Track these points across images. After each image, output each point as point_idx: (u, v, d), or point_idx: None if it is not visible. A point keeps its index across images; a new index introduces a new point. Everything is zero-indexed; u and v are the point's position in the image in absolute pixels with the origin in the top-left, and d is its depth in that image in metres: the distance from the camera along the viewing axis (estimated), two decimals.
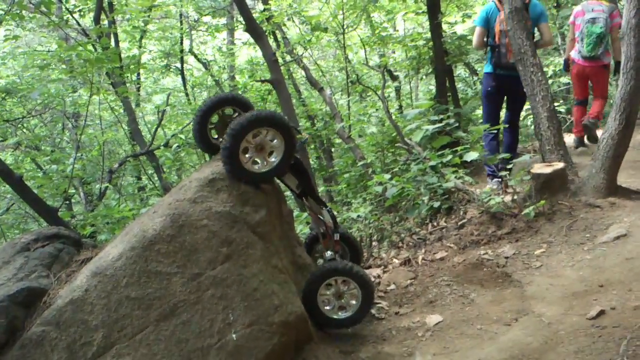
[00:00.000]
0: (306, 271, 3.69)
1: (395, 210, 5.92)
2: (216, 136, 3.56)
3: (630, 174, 5.73)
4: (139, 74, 12.91)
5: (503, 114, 6.49)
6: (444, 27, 8.95)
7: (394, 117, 8.03)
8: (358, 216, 5.79)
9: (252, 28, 7.18)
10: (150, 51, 13.85)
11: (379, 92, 9.26)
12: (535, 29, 5.90)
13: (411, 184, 5.58)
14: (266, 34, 8.58)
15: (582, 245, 4.22)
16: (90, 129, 11.47)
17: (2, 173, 5.30)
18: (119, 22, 11.45)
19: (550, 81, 9.10)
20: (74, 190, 10.40)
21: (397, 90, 11.68)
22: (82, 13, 10.09)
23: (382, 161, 7.98)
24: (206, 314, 2.89)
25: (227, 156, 3.18)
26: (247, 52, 14.14)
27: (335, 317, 3.53)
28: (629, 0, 4.65)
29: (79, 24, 9.67)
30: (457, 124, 6.90)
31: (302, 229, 5.51)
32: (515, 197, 5.14)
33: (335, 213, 4.17)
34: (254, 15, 8.05)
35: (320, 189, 10.01)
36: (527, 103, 5.86)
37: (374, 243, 5.49)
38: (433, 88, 10.13)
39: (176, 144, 9.56)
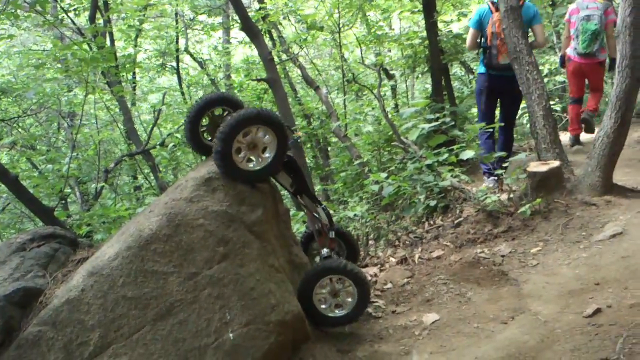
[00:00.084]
0: (303, 270, 3.69)
1: (392, 209, 5.92)
2: (210, 138, 3.54)
3: (626, 172, 5.75)
4: (134, 73, 12.87)
5: (498, 112, 6.52)
6: (440, 25, 8.96)
7: (390, 115, 8.04)
8: (354, 215, 5.79)
9: (248, 27, 7.17)
10: (145, 50, 13.82)
11: (375, 91, 9.26)
12: (529, 30, 5.92)
13: (407, 183, 5.59)
14: (262, 32, 8.57)
15: (578, 244, 4.23)
16: (85, 128, 11.43)
17: None
18: (114, 21, 11.41)
19: (545, 80, 9.12)
20: (69, 190, 10.38)
21: (393, 88, 11.69)
22: (77, 12, 10.07)
23: (378, 160, 7.98)
24: (203, 314, 2.88)
25: (220, 159, 3.18)
26: (243, 51, 14.14)
27: (331, 315, 3.53)
28: None
29: (74, 23, 9.65)
30: (453, 123, 6.91)
31: (299, 228, 5.51)
32: (512, 195, 5.15)
33: (331, 212, 4.17)
34: (249, 13, 8.04)
35: (317, 187, 10.01)
36: (523, 102, 5.88)
37: (370, 242, 5.49)
38: (429, 86, 10.15)
39: (172, 143, 9.54)
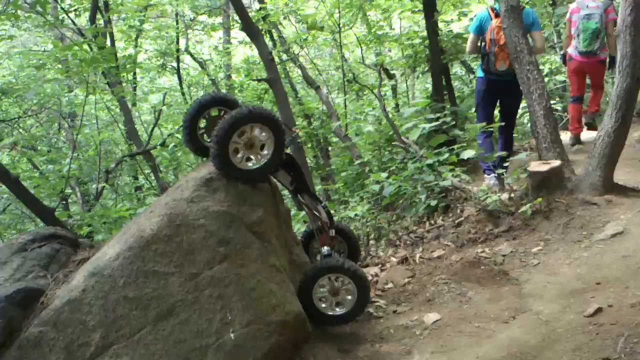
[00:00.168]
0: (304, 270, 3.69)
1: (393, 208, 5.91)
2: (209, 140, 3.54)
3: (627, 171, 5.74)
4: (135, 74, 12.86)
5: (498, 113, 6.53)
6: (440, 25, 8.95)
7: (390, 115, 8.03)
8: (355, 215, 5.78)
9: (248, 27, 7.17)
10: (146, 50, 13.80)
11: (376, 91, 9.25)
12: (528, 36, 5.95)
13: (408, 183, 5.58)
14: (262, 32, 8.57)
15: (579, 243, 4.23)
16: (86, 129, 11.42)
17: None
18: (114, 21, 11.41)
19: (546, 79, 9.12)
20: (70, 190, 10.37)
21: (394, 88, 11.67)
22: (77, 12, 10.07)
23: (379, 160, 7.97)
24: (204, 314, 2.89)
25: (219, 162, 3.19)
26: (244, 51, 14.11)
27: (332, 313, 3.53)
28: None
29: (74, 24, 9.65)
30: (453, 122, 6.92)
31: (299, 228, 5.51)
32: (512, 195, 5.14)
33: (332, 212, 4.16)
34: (250, 14, 8.04)
35: (318, 187, 9.99)
36: (524, 101, 5.90)
37: (371, 242, 5.48)
38: (429, 86, 10.14)
39: (173, 144, 9.53)
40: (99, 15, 9.06)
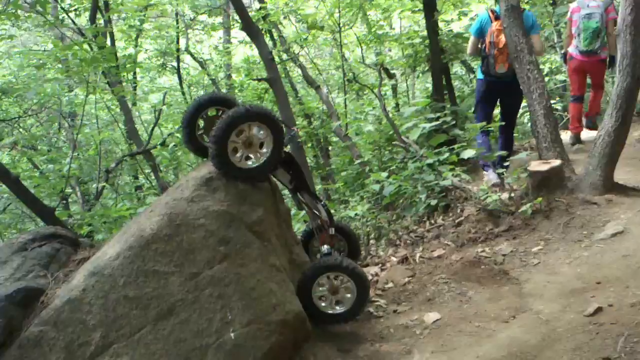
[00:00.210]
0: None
1: (393, 208, 5.91)
2: (208, 140, 3.54)
3: (627, 170, 5.74)
4: (135, 73, 12.86)
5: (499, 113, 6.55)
6: (441, 25, 8.94)
7: (390, 115, 8.03)
8: (355, 214, 5.78)
9: (248, 26, 7.17)
10: (146, 50, 13.80)
11: (376, 90, 9.26)
12: None
13: (408, 182, 5.58)
14: (262, 32, 8.57)
15: (579, 243, 4.23)
16: (86, 129, 11.41)
17: None
18: (114, 21, 11.41)
19: (546, 79, 9.11)
20: (70, 190, 10.38)
21: (394, 88, 11.67)
22: (77, 12, 10.06)
23: (379, 159, 7.96)
24: (204, 313, 2.89)
25: (218, 162, 3.20)
26: (244, 50, 14.11)
27: (331, 312, 3.54)
28: None
29: (74, 23, 9.65)
30: (453, 122, 6.93)
31: (299, 228, 5.51)
32: (513, 194, 5.14)
33: (332, 211, 4.16)
34: (250, 13, 8.04)
35: (318, 187, 9.99)
36: (524, 101, 5.90)
37: (371, 241, 5.48)
38: (430, 86, 10.14)
39: (173, 143, 9.53)
40: (99, 15, 9.06)
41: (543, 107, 5.32)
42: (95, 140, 10.25)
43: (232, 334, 2.87)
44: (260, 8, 10.28)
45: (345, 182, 8.52)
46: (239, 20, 7.80)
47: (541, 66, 8.08)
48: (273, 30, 11.46)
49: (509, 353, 3.00)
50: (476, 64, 9.37)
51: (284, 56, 11.58)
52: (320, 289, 3.49)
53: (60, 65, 8.55)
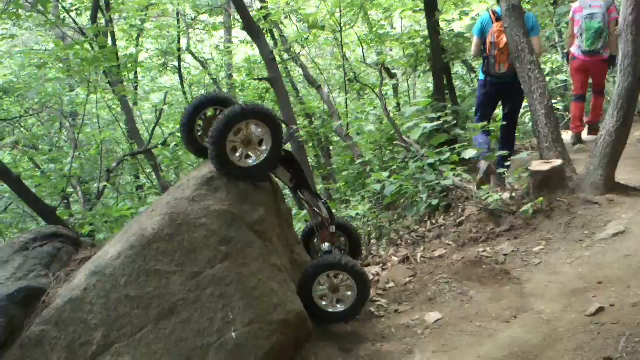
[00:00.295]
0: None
1: (394, 208, 5.92)
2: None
3: (629, 170, 5.74)
4: (136, 73, 12.87)
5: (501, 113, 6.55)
6: (442, 24, 8.95)
7: (392, 114, 8.03)
8: (357, 214, 5.78)
9: (250, 26, 7.17)
10: (147, 50, 13.81)
11: (377, 90, 9.26)
12: None
13: (409, 182, 5.58)
14: (263, 32, 8.57)
15: (580, 242, 4.22)
16: (88, 128, 11.42)
17: (0, 172, 5.29)
18: (116, 20, 11.42)
19: (547, 78, 9.11)
20: (72, 190, 10.38)
21: (395, 88, 11.67)
22: (79, 12, 10.06)
23: (380, 159, 7.97)
24: (205, 313, 2.89)
25: (218, 163, 3.21)
26: (245, 50, 14.10)
27: (332, 310, 3.54)
28: None
29: (76, 23, 9.65)
30: (455, 122, 6.92)
31: (301, 227, 5.50)
32: (514, 194, 5.14)
33: (334, 211, 4.17)
34: (251, 13, 8.04)
35: (319, 187, 10.00)
36: (525, 100, 5.91)
37: (372, 241, 5.48)
38: (431, 86, 10.14)
39: (174, 143, 9.54)
40: (100, 15, 9.06)
41: (544, 107, 5.32)
42: (96, 139, 10.27)
43: (233, 334, 2.87)
44: (262, 8, 10.29)
45: (347, 182, 8.53)
46: (240, 20, 7.81)
47: (542, 66, 8.08)
48: (274, 29, 11.46)
49: (510, 353, 3.00)
50: (477, 64, 9.38)
51: (285, 56, 11.59)
52: (321, 287, 3.50)
53: (61, 65, 8.54)
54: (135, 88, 12.91)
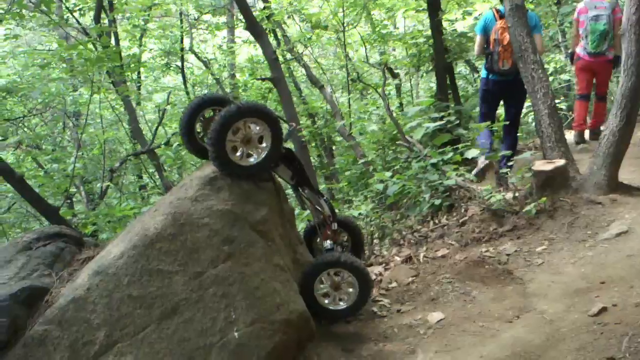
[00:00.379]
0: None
1: (397, 207, 5.92)
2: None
3: (632, 170, 5.73)
4: (139, 73, 12.88)
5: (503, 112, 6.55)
6: (445, 24, 8.94)
7: (394, 114, 8.02)
8: (359, 214, 5.79)
9: (252, 26, 7.18)
10: (150, 50, 13.82)
11: (380, 90, 9.25)
12: None
13: (412, 182, 5.58)
14: (266, 32, 8.58)
15: (583, 242, 4.22)
16: (91, 128, 11.44)
17: (3, 172, 5.30)
18: (119, 20, 11.43)
19: (550, 78, 9.10)
20: (75, 189, 10.40)
21: (398, 87, 11.66)
22: (82, 12, 10.07)
23: (383, 159, 7.96)
24: (208, 313, 2.89)
25: (219, 164, 3.22)
26: (248, 50, 14.11)
27: (334, 308, 3.57)
28: None
29: (79, 23, 9.66)
30: (457, 122, 6.92)
31: (303, 227, 5.50)
32: (517, 194, 5.13)
33: (336, 210, 4.17)
34: (254, 13, 8.04)
35: (322, 187, 9.99)
36: (528, 100, 5.90)
37: (375, 241, 5.49)
38: (434, 85, 10.12)
39: (177, 143, 9.54)
40: (103, 15, 9.07)
41: (547, 106, 5.31)
42: (99, 139, 10.27)
43: (236, 333, 2.87)
44: (264, 7, 10.29)
45: (349, 182, 8.53)
46: (243, 20, 7.82)
47: (545, 66, 8.07)
48: (277, 29, 11.46)
49: (513, 353, 3.00)
50: (480, 64, 9.36)
51: (288, 56, 11.59)
52: (322, 286, 3.51)
53: (64, 65, 8.55)
54: (138, 88, 12.93)
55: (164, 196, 3.62)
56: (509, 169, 5.77)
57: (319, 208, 3.79)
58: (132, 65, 10.24)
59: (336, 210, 4.04)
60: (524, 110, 7.00)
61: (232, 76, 14.35)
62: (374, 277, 4.31)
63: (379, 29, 11.11)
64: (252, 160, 3.29)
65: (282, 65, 9.16)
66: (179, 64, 13.83)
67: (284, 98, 7.23)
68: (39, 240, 3.35)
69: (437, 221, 5.32)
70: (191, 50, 13.88)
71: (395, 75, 11.58)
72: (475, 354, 3.10)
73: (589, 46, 7.01)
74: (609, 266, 3.74)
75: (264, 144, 3.30)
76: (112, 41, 9.23)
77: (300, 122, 9.66)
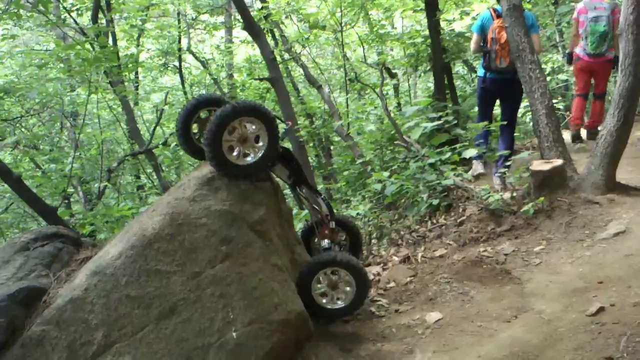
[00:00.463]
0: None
1: (395, 207, 5.91)
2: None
3: (629, 170, 5.73)
4: (137, 73, 12.88)
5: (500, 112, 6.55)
6: (442, 24, 8.94)
7: (392, 114, 8.02)
8: (357, 214, 5.79)
9: (250, 26, 7.18)
10: (148, 50, 13.81)
11: (378, 90, 9.24)
12: None
13: (410, 182, 5.58)
14: (264, 32, 8.57)
15: (581, 242, 4.22)
16: (88, 128, 11.44)
17: (1, 172, 5.29)
18: (116, 20, 11.42)
19: (548, 78, 9.11)
20: (72, 190, 10.39)
21: (396, 87, 11.66)
22: (79, 12, 10.07)
23: (381, 159, 7.96)
24: (206, 313, 2.89)
25: (216, 164, 3.22)
26: (245, 50, 14.10)
27: (332, 307, 3.57)
28: None
29: (76, 23, 9.65)
30: (455, 122, 6.91)
31: (301, 227, 5.50)
32: (515, 194, 5.14)
33: (334, 210, 4.17)
34: (251, 13, 8.04)
35: (320, 187, 10.00)
36: (525, 100, 5.90)
37: (373, 241, 5.48)
38: (431, 85, 10.13)
39: (175, 143, 9.54)
40: (101, 15, 9.06)
41: (545, 106, 5.31)
42: (97, 139, 10.28)
43: (234, 333, 2.87)
44: (262, 7, 10.28)
45: (347, 182, 8.52)
46: (241, 20, 7.81)
47: (543, 65, 8.08)
48: (275, 29, 11.46)
49: (511, 353, 3.00)
50: (478, 63, 9.37)
51: (286, 56, 11.59)
52: (319, 285, 3.51)
53: (62, 65, 8.55)
54: (136, 88, 12.92)
55: (161, 196, 3.62)
56: (506, 169, 5.77)
57: (317, 207, 3.79)
58: (130, 65, 10.23)
59: (334, 210, 4.04)
60: (521, 110, 7.00)
61: (230, 76, 14.35)
62: (372, 277, 4.31)
63: (377, 29, 11.10)
64: (249, 159, 3.29)
65: (280, 65, 9.16)
66: (177, 64, 13.83)
67: (281, 98, 7.23)
68: (37, 240, 3.34)
69: (435, 221, 5.32)
70: (189, 50, 13.88)
71: (393, 75, 11.58)
72: (473, 354, 3.10)
73: (589, 47, 7.00)
74: (607, 266, 3.75)
75: (260, 143, 3.31)
76: (110, 41, 9.21)
77: (298, 122, 9.68)
